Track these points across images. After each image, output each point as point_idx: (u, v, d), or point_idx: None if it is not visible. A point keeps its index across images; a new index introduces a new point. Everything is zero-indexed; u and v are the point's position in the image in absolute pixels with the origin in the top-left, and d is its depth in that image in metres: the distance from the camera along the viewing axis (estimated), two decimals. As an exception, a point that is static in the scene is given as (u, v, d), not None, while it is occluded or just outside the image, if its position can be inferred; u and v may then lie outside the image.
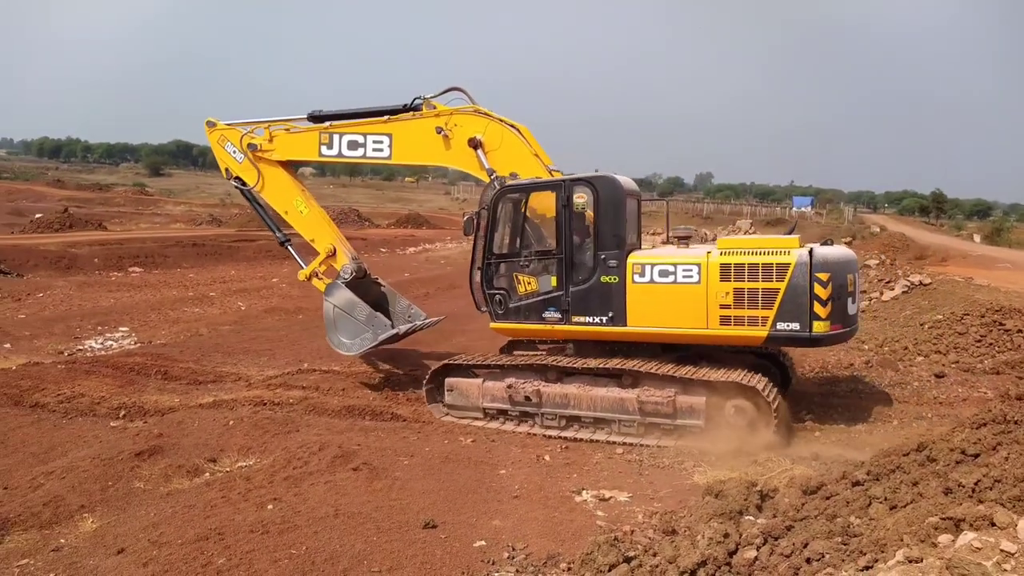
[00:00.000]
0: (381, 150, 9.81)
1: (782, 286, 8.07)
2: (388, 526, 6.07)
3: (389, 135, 9.78)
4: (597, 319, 8.79)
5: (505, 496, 6.90)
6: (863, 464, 6.10)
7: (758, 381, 8.20)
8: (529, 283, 9.21)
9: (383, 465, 7.43)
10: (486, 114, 9.56)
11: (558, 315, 8.97)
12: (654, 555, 5.14)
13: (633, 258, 8.70)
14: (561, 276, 8.94)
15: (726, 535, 5.03)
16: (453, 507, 6.56)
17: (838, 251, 8.54)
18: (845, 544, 4.55)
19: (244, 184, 10.60)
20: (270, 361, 12.68)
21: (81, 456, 7.80)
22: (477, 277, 9.41)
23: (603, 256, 8.74)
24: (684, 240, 9.31)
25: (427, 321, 11.22)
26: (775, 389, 8.37)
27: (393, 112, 9.80)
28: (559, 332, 9.13)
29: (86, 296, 18.57)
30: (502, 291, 9.31)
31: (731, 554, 4.90)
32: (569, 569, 5.39)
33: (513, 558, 5.64)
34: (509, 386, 9.02)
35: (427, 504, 6.56)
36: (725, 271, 8.27)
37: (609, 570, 5.05)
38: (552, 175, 9.38)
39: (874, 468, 5.76)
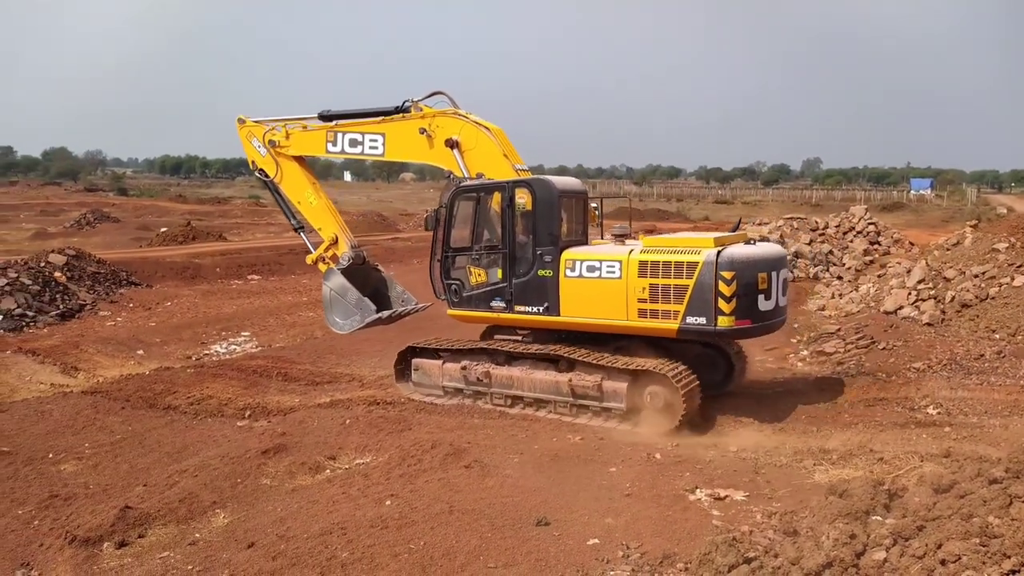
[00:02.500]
0: (376, 148, 10.64)
1: (691, 283, 8.64)
2: (502, 523, 6.13)
3: (383, 134, 10.57)
4: (535, 309, 9.60)
5: (617, 494, 6.84)
6: (1000, 461, 5.72)
7: (669, 369, 8.76)
8: (480, 275, 10.07)
9: (494, 462, 7.52)
10: (463, 117, 10.15)
11: (503, 304, 9.82)
12: (775, 556, 4.99)
13: (566, 254, 9.40)
14: (505, 269, 9.78)
15: (852, 535, 4.83)
16: (565, 505, 6.56)
17: (752, 250, 8.98)
18: (984, 546, 4.29)
19: (266, 175, 11.50)
20: (381, 362, 13.04)
21: (211, 455, 8.28)
22: (436, 268, 10.29)
23: (540, 252, 9.51)
24: (620, 238, 9.76)
25: (416, 307, 11.79)
26: (691, 378, 8.88)
27: (387, 113, 10.52)
28: (504, 320, 10.02)
29: (210, 304, 19.68)
30: (457, 282, 10.19)
31: (858, 555, 4.70)
32: (686, 569, 5.30)
33: (628, 557, 5.59)
34: (463, 367, 10.02)
35: (539, 501, 6.59)
36: (643, 268, 8.92)
37: (728, 571, 4.94)
38: (519, 175, 9.93)
39: (1013, 465, 5.38)
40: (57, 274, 19.29)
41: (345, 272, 11.05)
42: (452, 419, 9.46)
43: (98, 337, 15.62)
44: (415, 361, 10.54)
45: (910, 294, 14.20)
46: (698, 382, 8.98)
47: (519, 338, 10.17)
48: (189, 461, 8.22)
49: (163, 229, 36.47)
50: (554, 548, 5.72)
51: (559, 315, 9.43)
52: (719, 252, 8.60)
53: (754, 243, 9.28)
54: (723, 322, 8.54)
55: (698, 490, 6.92)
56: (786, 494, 6.80)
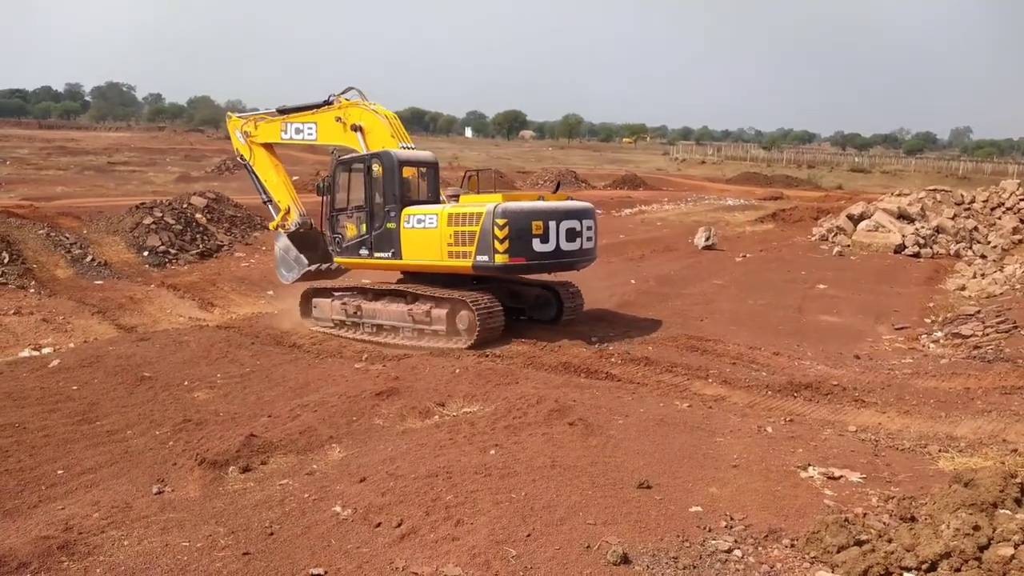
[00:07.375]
0: (312, 134, 12.74)
1: (478, 229, 10.67)
2: (603, 482, 6.12)
3: (315, 123, 12.67)
4: (387, 255, 11.72)
5: (723, 464, 6.68)
6: None
7: (472, 297, 10.84)
8: (352, 229, 12.19)
9: (598, 422, 7.50)
10: (366, 106, 12.16)
11: (367, 252, 11.93)
12: (889, 541, 4.77)
13: (406, 210, 11.45)
14: (367, 224, 11.89)
15: (976, 527, 4.54)
16: (668, 470, 6.46)
17: (527, 204, 11.12)
18: None
19: (244, 159, 13.81)
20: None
21: (330, 393, 8.69)
22: (327, 226, 12.51)
23: (387, 208, 11.58)
24: (454, 198, 11.42)
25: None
26: (491, 305, 10.93)
27: (319, 106, 12.58)
28: (369, 265, 12.24)
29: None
30: (340, 235, 12.36)
31: (981, 549, 4.43)
32: (792, 546, 5.14)
33: (731, 528, 5.47)
34: (343, 303, 11.97)
35: (641, 464, 6.53)
36: (450, 219, 10.97)
37: (838, 551, 4.76)
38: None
39: None
40: (198, 215, 20.60)
41: (292, 236, 13.16)
42: (559, 376, 9.51)
43: (233, 276, 16.67)
44: (314, 300, 12.53)
45: (1064, 278, 13.03)
46: (500, 309, 11.02)
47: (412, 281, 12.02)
48: (310, 397, 8.66)
49: (295, 178, 37.97)
50: (655, 511, 5.66)
51: (402, 259, 11.57)
52: (496, 205, 10.61)
53: (541, 199, 11.41)
54: (499, 259, 10.58)
55: (811, 467, 6.66)
56: (906, 479, 6.45)
